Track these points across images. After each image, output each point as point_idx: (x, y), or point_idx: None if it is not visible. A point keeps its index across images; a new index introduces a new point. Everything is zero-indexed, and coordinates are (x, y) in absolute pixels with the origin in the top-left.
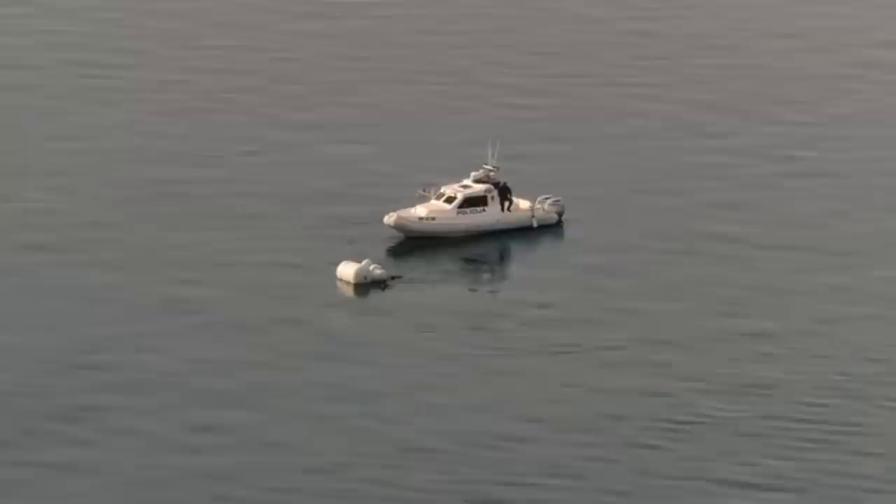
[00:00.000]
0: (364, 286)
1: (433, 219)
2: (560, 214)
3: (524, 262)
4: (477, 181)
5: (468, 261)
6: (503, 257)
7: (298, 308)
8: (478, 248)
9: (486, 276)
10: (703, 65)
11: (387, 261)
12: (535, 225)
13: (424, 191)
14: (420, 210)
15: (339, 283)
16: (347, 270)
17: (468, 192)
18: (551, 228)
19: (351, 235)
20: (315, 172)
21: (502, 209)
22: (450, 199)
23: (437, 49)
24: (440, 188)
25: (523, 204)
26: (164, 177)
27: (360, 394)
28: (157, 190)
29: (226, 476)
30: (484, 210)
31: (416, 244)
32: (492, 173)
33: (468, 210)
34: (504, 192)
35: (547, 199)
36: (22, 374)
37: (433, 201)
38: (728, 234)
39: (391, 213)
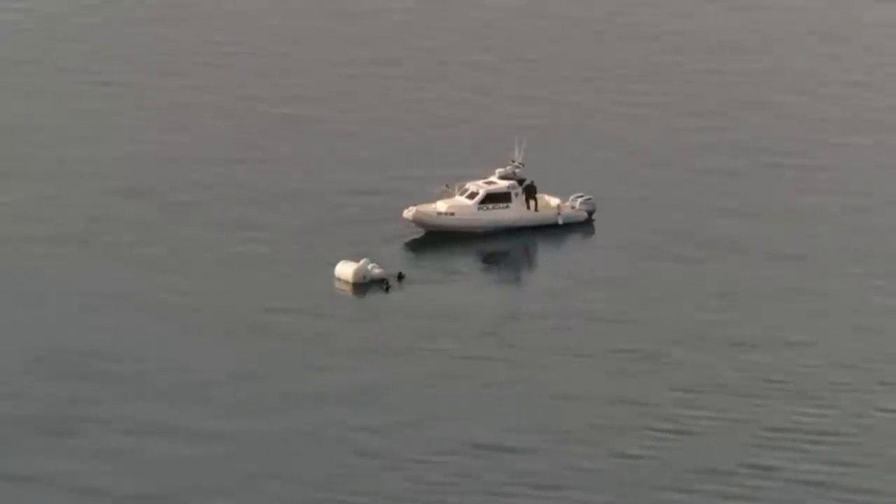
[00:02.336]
0: (363, 286)
1: (452, 214)
2: (590, 213)
3: (543, 262)
4: (503, 178)
5: (483, 259)
6: (521, 256)
7: (297, 308)
8: (496, 247)
9: (497, 276)
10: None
11: (397, 259)
12: (560, 222)
13: (447, 186)
14: (440, 205)
15: (337, 283)
16: (346, 270)
17: (490, 187)
18: (579, 228)
19: (353, 235)
20: (320, 172)
21: (528, 207)
22: (473, 195)
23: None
24: (465, 184)
25: (553, 201)
26: (162, 177)
27: (353, 399)
28: (153, 190)
29: (220, 479)
30: (507, 207)
31: (430, 241)
32: (517, 170)
33: (490, 206)
34: (529, 191)
35: (579, 197)
36: (10, 378)
37: (457, 197)
38: (748, 242)
39: (410, 208)
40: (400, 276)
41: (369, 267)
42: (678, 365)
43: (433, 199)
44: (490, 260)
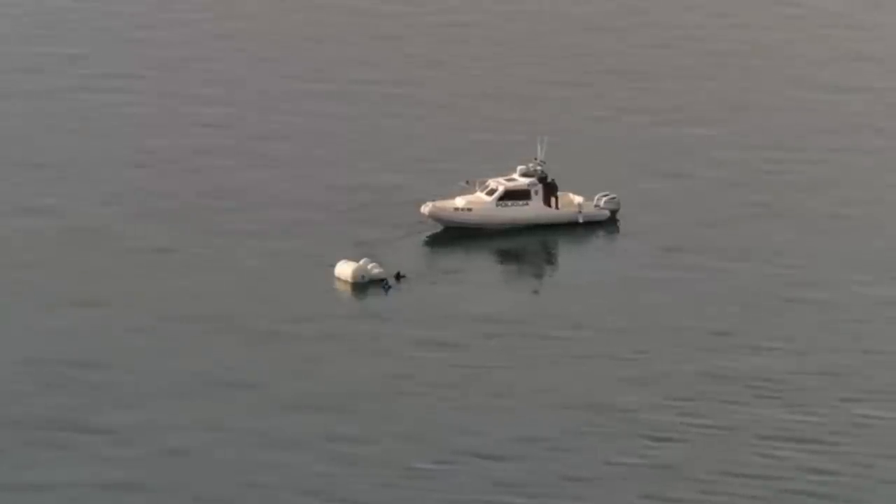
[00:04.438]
0: (362, 286)
1: (470, 210)
2: (614, 212)
3: (555, 263)
4: (524, 175)
5: (495, 259)
6: (535, 256)
7: (295, 308)
8: (512, 245)
9: (507, 276)
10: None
11: (409, 256)
12: (581, 221)
13: (467, 183)
14: (458, 201)
15: (337, 283)
16: (345, 269)
17: (510, 184)
18: (602, 227)
19: (359, 236)
20: (329, 168)
21: (548, 205)
22: (493, 192)
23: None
24: (486, 181)
25: (576, 199)
26: (163, 178)
27: (345, 404)
28: (150, 185)
29: (213, 483)
30: (527, 204)
31: (445, 239)
32: (539, 168)
33: (509, 203)
34: (550, 188)
35: (604, 195)
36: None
37: (478, 193)
38: (766, 248)
39: (427, 203)
40: (398, 276)
41: (369, 267)
42: (680, 373)
43: (453, 196)
44: (502, 259)
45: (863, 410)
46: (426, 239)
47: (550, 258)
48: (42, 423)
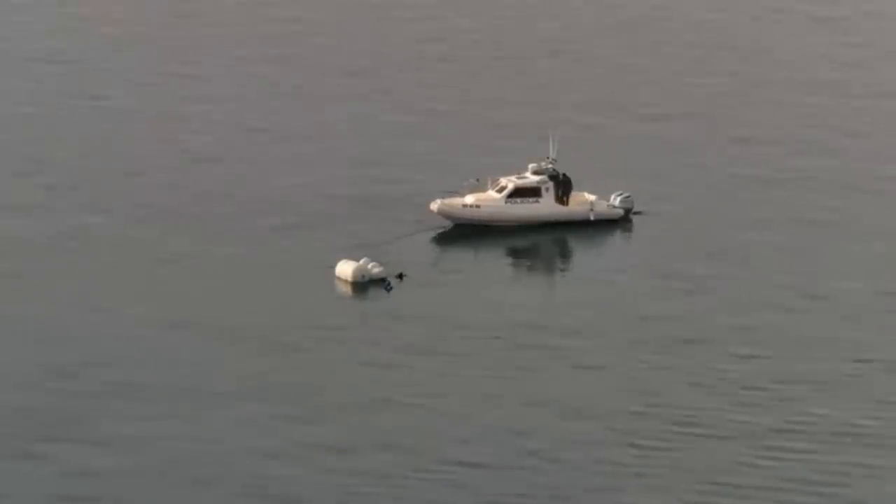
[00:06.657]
0: (362, 285)
1: (478, 207)
2: (628, 211)
3: (563, 264)
4: (536, 173)
5: (502, 258)
6: (543, 256)
7: (295, 308)
8: (523, 244)
9: (513, 276)
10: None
11: (414, 255)
12: (592, 219)
13: (477, 180)
14: (467, 198)
15: (337, 283)
16: (345, 269)
17: (519, 181)
18: (616, 226)
19: (361, 236)
20: (327, 169)
21: (560, 202)
22: (504, 190)
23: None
24: (498, 179)
25: (590, 198)
26: (166, 177)
27: (342, 411)
28: (151, 188)
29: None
30: (537, 201)
31: (452, 237)
32: (550, 166)
33: (519, 200)
34: (564, 185)
35: (619, 194)
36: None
37: (489, 191)
38: (778, 254)
39: (436, 200)
40: (400, 276)
41: (369, 266)
42: (679, 381)
43: (463, 193)
44: (510, 258)
45: (857, 417)
46: (434, 236)
47: (560, 259)
48: (38, 425)
